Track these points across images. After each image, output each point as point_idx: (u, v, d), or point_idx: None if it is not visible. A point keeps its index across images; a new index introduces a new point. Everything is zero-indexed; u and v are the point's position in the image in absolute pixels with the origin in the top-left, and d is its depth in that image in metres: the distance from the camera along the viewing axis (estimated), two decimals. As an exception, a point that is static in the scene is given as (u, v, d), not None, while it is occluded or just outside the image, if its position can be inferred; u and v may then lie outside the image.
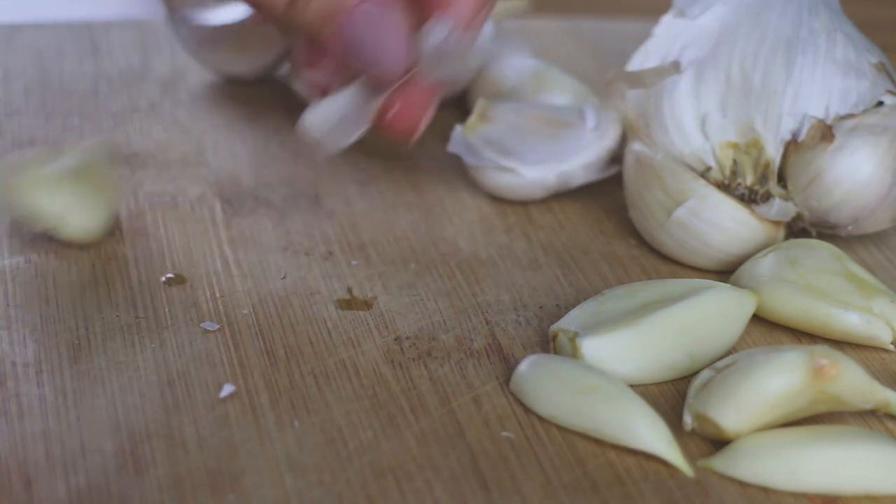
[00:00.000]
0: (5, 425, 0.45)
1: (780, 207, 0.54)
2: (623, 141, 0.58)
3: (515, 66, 0.64)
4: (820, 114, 0.54)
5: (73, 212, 0.53)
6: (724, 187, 0.54)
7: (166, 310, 0.50)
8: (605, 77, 0.57)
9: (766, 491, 0.44)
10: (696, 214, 0.53)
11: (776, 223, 0.53)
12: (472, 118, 0.59)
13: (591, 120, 0.58)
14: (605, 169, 0.58)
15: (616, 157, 0.58)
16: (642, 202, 0.55)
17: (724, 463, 0.44)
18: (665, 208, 0.54)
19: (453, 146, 0.59)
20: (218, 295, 0.51)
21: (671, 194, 0.54)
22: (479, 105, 0.60)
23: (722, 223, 0.53)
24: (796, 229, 0.55)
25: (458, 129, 0.59)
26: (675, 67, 0.54)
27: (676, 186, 0.54)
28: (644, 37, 0.59)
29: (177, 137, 0.62)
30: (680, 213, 0.54)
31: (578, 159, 0.57)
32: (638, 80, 0.55)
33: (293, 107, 0.64)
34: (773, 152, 0.55)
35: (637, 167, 0.55)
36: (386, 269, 0.54)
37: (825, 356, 0.44)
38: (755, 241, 0.53)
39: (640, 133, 0.56)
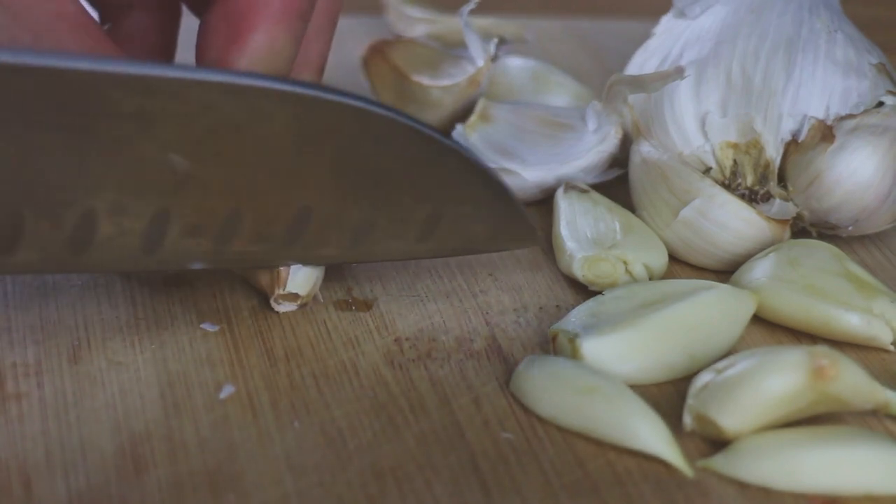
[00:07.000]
0: (5, 426, 0.45)
1: (780, 208, 0.54)
2: (624, 145, 0.57)
3: (515, 65, 0.64)
4: (820, 114, 0.54)
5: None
6: (725, 188, 0.54)
7: (166, 310, 0.50)
8: (608, 81, 0.57)
9: (766, 491, 0.44)
10: (703, 214, 0.53)
11: (782, 222, 0.53)
12: (473, 117, 0.59)
13: (592, 123, 0.58)
14: (605, 173, 0.58)
15: (616, 162, 0.58)
16: (648, 202, 0.55)
17: (724, 463, 0.44)
18: (671, 208, 0.54)
19: (453, 145, 0.59)
20: (218, 295, 0.51)
21: (678, 194, 0.54)
22: (480, 104, 0.60)
23: (729, 223, 0.53)
24: (796, 230, 0.55)
25: (459, 128, 0.59)
26: (679, 73, 0.54)
27: (683, 186, 0.54)
28: (644, 37, 0.59)
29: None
30: (687, 212, 0.54)
31: (578, 162, 0.57)
32: (641, 84, 0.55)
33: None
34: (774, 152, 0.55)
35: (643, 167, 0.55)
36: (386, 269, 0.53)
37: (825, 356, 0.44)
38: (761, 240, 0.53)
39: (645, 133, 0.56)
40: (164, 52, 0.55)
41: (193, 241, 0.47)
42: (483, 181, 0.50)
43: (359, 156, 0.48)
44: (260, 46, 0.48)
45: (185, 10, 0.56)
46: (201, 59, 0.49)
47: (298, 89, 0.46)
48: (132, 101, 0.44)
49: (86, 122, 0.44)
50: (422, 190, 0.49)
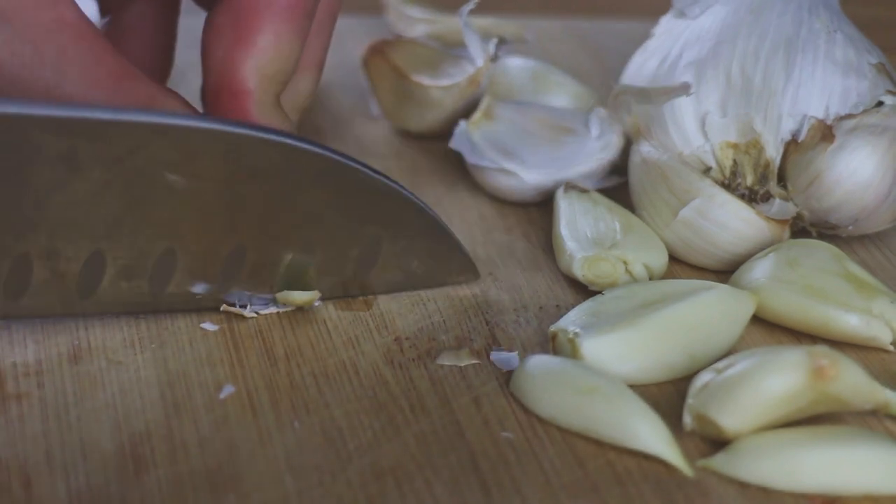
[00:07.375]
0: (5, 426, 0.45)
1: (780, 207, 0.54)
2: (625, 153, 0.57)
3: (515, 65, 0.64)
4: (820, 114, 0.54)
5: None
6: (725, 188, 0.54)
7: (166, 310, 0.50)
8: (614, 90, 0.56)
9: (766, 491, 0.44)
10: (703, 214, 0.53)
11: (782, 222, 0.53)
12: (477, 115, 0.59)
13: (595, 129, 0.58)
14: (605, 179, 0.58)
15: (616, 169, 0.58)
16: (648, 202, 0.55)
17: (724, 463, 0.44)
18: (671, 208, 0.54)
19: (456, 142, 0.59)
20: (218, 295, 0.51)
21: (677, 194, 0.54)
22: (485, 102, 0.60)
23: (728, 223, 0.53)
24: (796, 229, 0.55)
25: (463, 126, 0.59)
26: (685, 89, 0.54)
27: (683, 186, 0.54)
28: (644, 37, 0.59)
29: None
30: (686, 212, 0.54)
31: (579, 168, 0.57)
32: (646, 96, 0.55)
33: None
34: (774, 152, 0.55)
35: (643, 167, 0.55)
36: (386, 269, 0.54)
37: (825, 356, 0.44)
38: (761, 240, 0.53)
39: (645, 133, 0.56)
40: (164, 45, 0.55)
41: (129, 283, 0.48)
42: (416, 215, 0.50)
43: (289, 193, 0.48)
44: (266, 46, 0.48)
45: (184, 5, 0.56)
46: (207, 59, 0.49)
47: (225, 127, 0.46)
48: (59, 143, 0.44)
49: (13, 167, 0.44)
50: (354, 225, 0.49)
